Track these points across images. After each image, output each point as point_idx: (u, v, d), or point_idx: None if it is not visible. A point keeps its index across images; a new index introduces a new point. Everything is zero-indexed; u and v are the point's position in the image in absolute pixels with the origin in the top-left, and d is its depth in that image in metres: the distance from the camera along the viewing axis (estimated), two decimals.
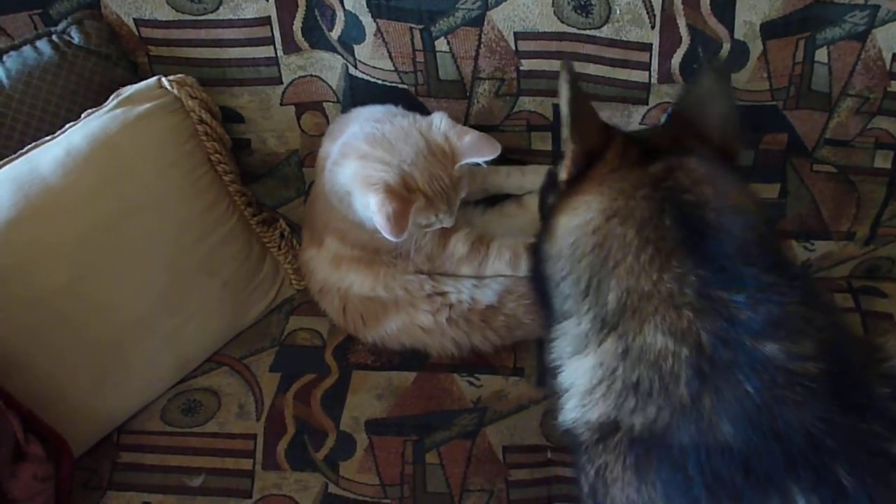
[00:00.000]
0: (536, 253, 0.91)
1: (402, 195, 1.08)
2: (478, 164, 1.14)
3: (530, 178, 1.32)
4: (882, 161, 1.27)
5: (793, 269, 0.86)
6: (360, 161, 1.12)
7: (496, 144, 1.12)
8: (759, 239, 0.79)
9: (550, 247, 0.86)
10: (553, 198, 0.89)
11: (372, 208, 1.08)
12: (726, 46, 1.17)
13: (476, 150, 1.12)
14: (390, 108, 1.21)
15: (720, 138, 0.89)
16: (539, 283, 0.90)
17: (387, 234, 1.07)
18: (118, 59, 1.24)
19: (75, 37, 1.21)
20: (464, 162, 1.12)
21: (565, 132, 0.86)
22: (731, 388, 0.70)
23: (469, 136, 1.12)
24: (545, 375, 1.23)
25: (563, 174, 0.87)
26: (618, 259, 0.78)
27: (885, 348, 0.77)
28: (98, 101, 1.17)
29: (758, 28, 1.16)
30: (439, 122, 1.14)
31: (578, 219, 0.82)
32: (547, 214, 0.90)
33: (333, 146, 1.19)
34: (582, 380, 0.80)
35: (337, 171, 1.16)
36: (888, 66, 1.17)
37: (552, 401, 1.02)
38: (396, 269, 1.22)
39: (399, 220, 1.06)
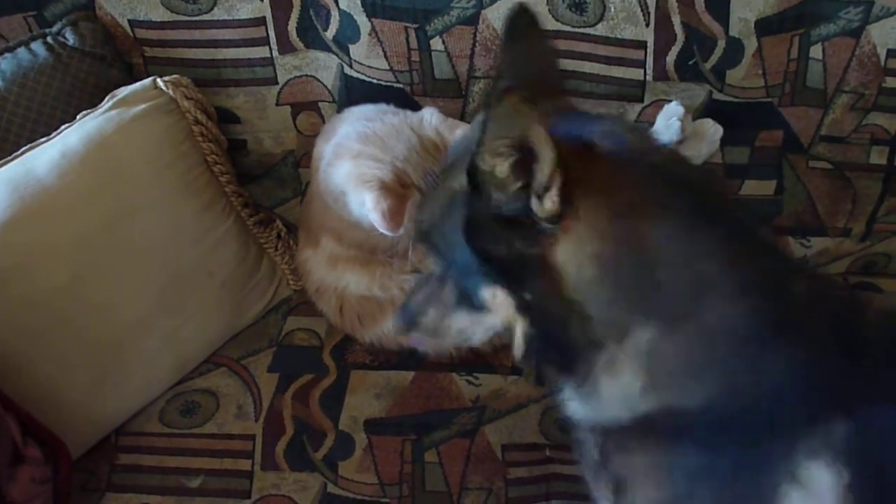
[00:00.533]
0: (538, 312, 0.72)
1: (397, 191, 1.08)
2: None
3: None
4: (877, 157, 1.28)
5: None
6: (354, 160, 1.12)
7: None
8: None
9: (561, 292, 0.69)
10: (526, 243, 0.68)
11: (367, 206, 1.08)
12: (721, 44, 1.18)
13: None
14: (381, 106, 1.21)
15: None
16: (557, 341, 0.73)
17: (383, 231, 1.07)
18: (113, 60, 1.24)
19: (70, 38, 1.21)
20: None
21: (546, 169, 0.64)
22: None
23: (460, 130, 1.12)
24: (543, 375, 1.24)
25: (551, 208, 0.65)
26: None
27: None
28: (93, 102, 1.17)
29: (752, 25, 1.16)
30: (430, 117, 1.14)
31: (590, 245, 0.67)
32: (524, 264, 0.69)
33: (327, 147, 1.19)
34: None
35: (331, 171, 1.16)
36: (883, 62, 1.18)
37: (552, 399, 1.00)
38: (393, 269, 1.22)
39: (395, 215, 1.06)
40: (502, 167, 0.64)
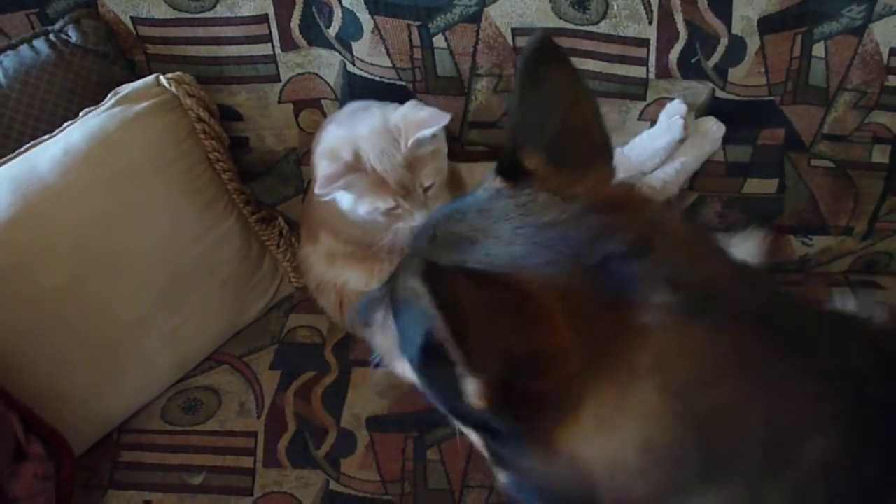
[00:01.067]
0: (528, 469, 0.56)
1: (348, 163, 1.09)
2: (432, 139, 1.12)
3: None
4: (880, 155, 1.27)
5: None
6: (325, 140, 1.16)
7: (443, 115, 1.10)
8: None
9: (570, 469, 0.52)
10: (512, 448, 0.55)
11: (318, 173, 1.11)
12: (723, 42, 1.17)
13: (423, 122, 1.10)
14: (373, 101, 1.21)
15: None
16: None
17: (315, 190, 1.09)
18: (115, 57, 1.24)
19: (72, 36, 1.21)
20: (414, 137, 1.09)
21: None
22: None
23: (424, 112, 1.12)
24: None
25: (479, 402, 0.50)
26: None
27: None
28: (96, 99, 1.17)
29: (755, 23, 1.16)
30: (406, 107, 1.14)
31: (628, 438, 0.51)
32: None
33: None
34: None
35: (315, 160, 1.18)
36: (885, 61, 1.18)
37: None
38: (391, 265, 1.22)
39: (331, 178, 1.07)
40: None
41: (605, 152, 0.62)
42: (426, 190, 1.14)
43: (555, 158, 0.52)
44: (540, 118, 0.58)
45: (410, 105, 1.15)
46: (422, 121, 1.10)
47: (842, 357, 0.54)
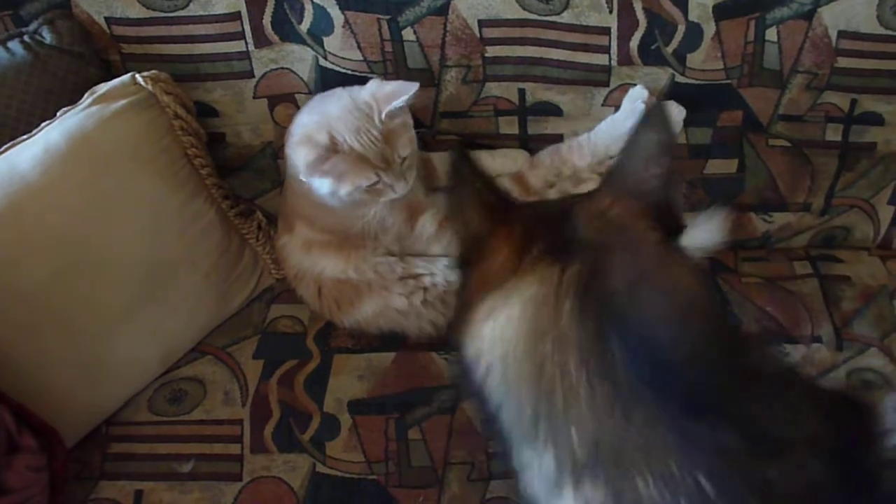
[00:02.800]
0: (458, 335, 0.76)
1: (326, 147, 1.12)
2: (401, 111, 1.16)
3: (500, 161, 1.36)
4: (833, 134, 1.33)
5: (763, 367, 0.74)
6: (298, 131, 1.18)
7: (411, 84, 1.15)
8: (716, 342, 0.69)
9: (472, 344, 0.74)
10: (464, 274, 0.79)
11: (298, 162, 1.13)
12: (681, 28, 1.22)
13: (393, 94, 1.14)
14: (337, 88, 1.24)
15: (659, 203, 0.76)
16: (472, 388, 0.74)
17: (302, 178, 1.12)
18: (91, 57, 1.26)
19: (47, 37, 1.22)
20: (387, 109, 1.14)
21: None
22: None
23: (390, 85, 1.16)
24: None
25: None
26: (569, 399, 0.65)
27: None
28: (73, 99, 1.18)
29: (710, 9, 1.21)
30: (370, 84, 1.19)
31: (499, 329, 0.70)
32: (463, 287, 0.79)
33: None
34: None
35: (289, 151, 1.21)
36: (834, 44, 1.23)
37: None
38: (367, 251, 1.25)
39: (315, 164, 1.11)
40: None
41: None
42: (403, 161, 1.17)
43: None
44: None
45: (375, 82, 1.19)
46: (391, 93, 1.14)
47: None
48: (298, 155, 1.14)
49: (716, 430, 0.63)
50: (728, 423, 0.63)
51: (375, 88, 1.17)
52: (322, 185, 1.16)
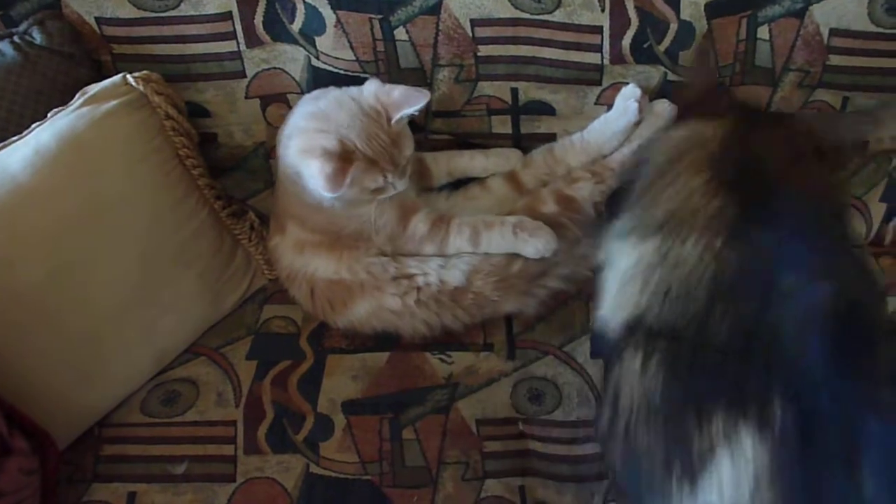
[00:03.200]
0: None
1: (341, 156, 1.12)
2: (414, 116, 1.18)
3: (493, 160, 1.36)
4: None
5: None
6: (301, 136, 1.17)
7: (424, 92, 1.16)
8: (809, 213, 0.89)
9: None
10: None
11: (313, 174, 1.12)
12: (673, 27, 1.22)
13: (405, 101, 1.16)
14: (329, 88, 1.23)
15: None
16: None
17: (325, 193, 1.12)
18: (81, 58, 1.25)
19: (37, 37, 1.22)
20: (398, 115, 1.15)
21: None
22: (740, 307, 0.79)
23: (397, 91, 1.17)
24: (514, 349, 1.28)
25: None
26: (679, 170, 0.89)
27: None
28: (63, 100, 1.18)
29: (702, 8, 1.21)
30: (369, 86, 1.19)
31: (678, 132, 0.96)
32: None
33: (280, 133, 1.23)
34: (622, 273, 0.91)
35: (284, 153, 1.20)
36: (826, 41, 1.23)
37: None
38: (359, 252, 1.25)
39: (336, 178, 1.10)
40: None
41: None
42: (406, 160, 1.19)
43: None
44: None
45: (375, 84, 1.19)
46: (402, 99, 1.15)
47: None
48: (312, 168, 1.12)
49: None
50: None
51: (379, 92, 1.17)
52: (320, 185, 1.14)
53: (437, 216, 1.26)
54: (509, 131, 1.36)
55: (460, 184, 1.38)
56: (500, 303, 1.27)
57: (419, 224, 1.25)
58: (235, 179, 1.42)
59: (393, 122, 1.16)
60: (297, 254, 1.28)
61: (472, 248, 1.25)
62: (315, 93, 1.24)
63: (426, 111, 1.33)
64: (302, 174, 1.16)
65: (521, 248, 1.24)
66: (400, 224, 1.25)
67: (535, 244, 1.23)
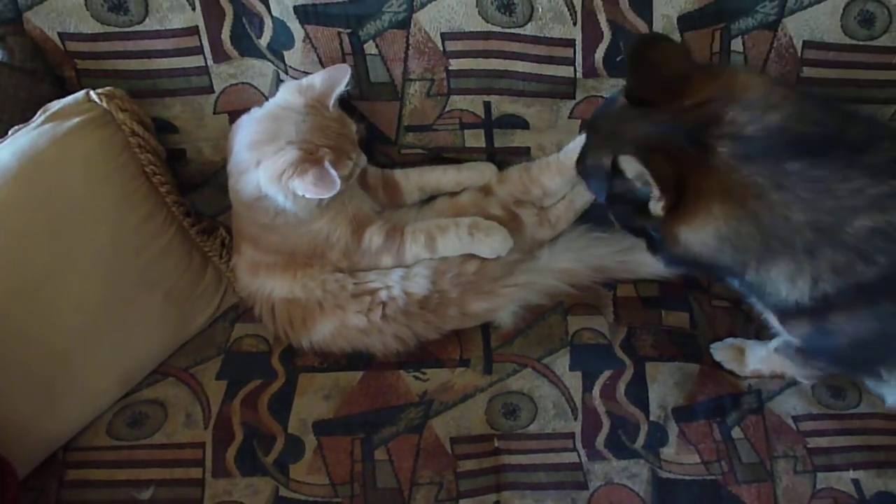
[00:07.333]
0: (666, 252, 1.04)
1: (312, 160, 1.12)
2: (347, 92, 1.20)
3: (466, 174, 1.35)
4: None
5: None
6: (260, 167, 1.15)
7: (342, 67, 1.19)
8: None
9: (686, 250, 0.99)
10: (648, 223, 1.02)
11: (301, 191, 1.11)
12: None
13: (332, 84, 1.18)
14: (252, 111, 1.22)
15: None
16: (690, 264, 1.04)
17: (326, 195, 1.11)
18: (44, 74, 1.23)
19: None
20: (332, 100, 1.17)
21: (655, 193, 0.94)
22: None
23: (318, 79, 1.18)
24: (491, 363, 1.26)
25: (659, 213, 0.97)
26: (783, 237, 0.94)
27: None
28: (25, 117, 1.16)
29: (675, 21, 1.20)
30: (287, 90, 1.19)
31: (713, 231, 0.95)
32: (650, 232, 1.05)
33: (228, 167, 1.22)
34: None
35: (240, 186, 1.19)
36: (799, 53, 1.23)
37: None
38: (314, 270, 1.23)
39: (325, 180, 1.10)
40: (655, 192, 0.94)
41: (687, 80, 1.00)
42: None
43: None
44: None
45: (290, 85, 1.20)
46: (328, 84, 1.17)
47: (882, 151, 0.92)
48: (298, 186, 1.11)
49: None
50: None
51: (303, 90, 1.18)
52: (315, 194, 1.13)
53: (391, 226, 1.25)
54: (483, 145, 1.35)
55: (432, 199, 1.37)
56: (466, 302, 1.26)
57: (373, 237, 1.24)
58: (205, 196, 1.40)
59: (331, 108, 1.17)
60: (253, 276, 1.27)
61: (430, 253, 1.24)
62: (241, 122, 1.22)
63: (397, 125, 1.31)
64: (278, 198, 1.15)
65: (478, 248, 1.24)
66: (354, 238, 1.23)
67: (491, 243, 1.23)
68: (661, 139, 0.96)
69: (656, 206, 0.96)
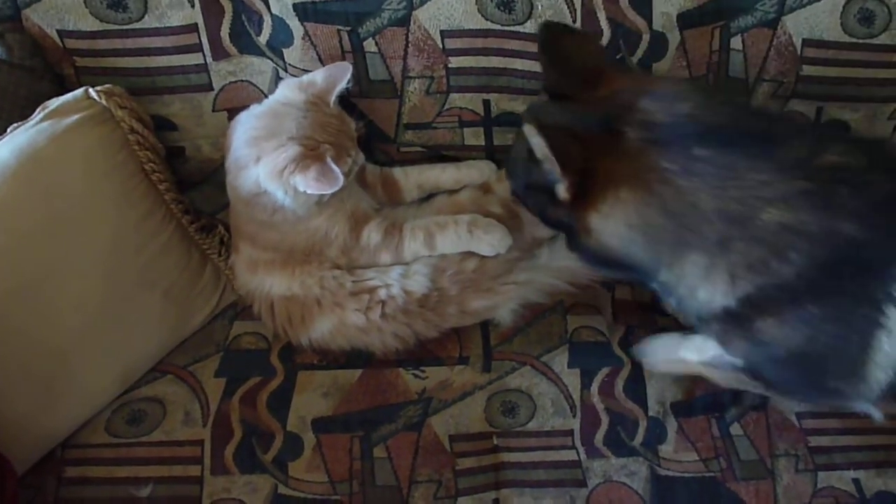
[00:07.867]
0: (581, 245, 1.03)
1: (314, 156, 1.11)
2: (346, 89, 1.20)
3: (466, 172, 1.34)
4: None
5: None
6: (260, 163, 1.14)
7: (343, 64, 1.19)
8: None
9: (598, 241, 0.98)
10: (561, 211, 1.01)
11: (302, 186, 1.11)
12: (646, 38, 1.21)
13: (333, 80, 1.17)
14: (249, 108, 1.21)
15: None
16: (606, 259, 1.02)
17: (330, 191, 1.11)
18: (43, 71, 1.23)
19: None
20: (333, 97, 1.17)
21: (557, 171, 0.93)
22: None
23: (319, 76, 1.18)
24: (490, 361, 1.26)
25: (565, 196, 0.97)
26: (692, 227, 0.92)
27: None
28: (24, 115, 1.16)
29: (675, 19, 1.20)
30: (287, 86, 1.19)
31: (622, 218, 0.94)
32: (565, 223, 1.03)
33: (227, 163, 1.21)
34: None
35: (239, 183, 1.18)
36: (799, 51, 1.23)
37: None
38: (312, 267, 1.23)
39: (328, 175, 1.10)
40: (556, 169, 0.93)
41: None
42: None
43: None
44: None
45: (290, 82, 1.19)
46: (330, 81, 1.17)
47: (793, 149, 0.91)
48: (300, 182, 1.10)
49: None
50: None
51: (304, 86, 1.17)
52: (319, 190, 1.13)
53: (390, 223, 1.25)
54: (482, 143, 1.34)
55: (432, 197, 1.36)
56: (465, 300, 1.25)
57: (372, 234, 1.23)
58: (204, 193, 1.39)
59: (332, 105, 1.17)
60: (252, 273, 1.26)
61: (428, 250, 1.24)
62: (239, 118, 1.21)
63: (397, 123, 1.31)
64: (279, 195, 1.14)
65: (477, 245, 1.23)
66: (352, 235, 1.23)
67: (491, 241, 1.23)
68: (572, 124, 0.96)
69: (561, 189, 0.96)
